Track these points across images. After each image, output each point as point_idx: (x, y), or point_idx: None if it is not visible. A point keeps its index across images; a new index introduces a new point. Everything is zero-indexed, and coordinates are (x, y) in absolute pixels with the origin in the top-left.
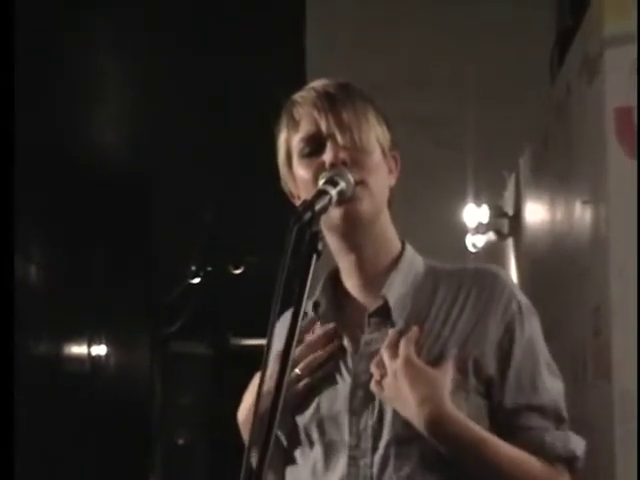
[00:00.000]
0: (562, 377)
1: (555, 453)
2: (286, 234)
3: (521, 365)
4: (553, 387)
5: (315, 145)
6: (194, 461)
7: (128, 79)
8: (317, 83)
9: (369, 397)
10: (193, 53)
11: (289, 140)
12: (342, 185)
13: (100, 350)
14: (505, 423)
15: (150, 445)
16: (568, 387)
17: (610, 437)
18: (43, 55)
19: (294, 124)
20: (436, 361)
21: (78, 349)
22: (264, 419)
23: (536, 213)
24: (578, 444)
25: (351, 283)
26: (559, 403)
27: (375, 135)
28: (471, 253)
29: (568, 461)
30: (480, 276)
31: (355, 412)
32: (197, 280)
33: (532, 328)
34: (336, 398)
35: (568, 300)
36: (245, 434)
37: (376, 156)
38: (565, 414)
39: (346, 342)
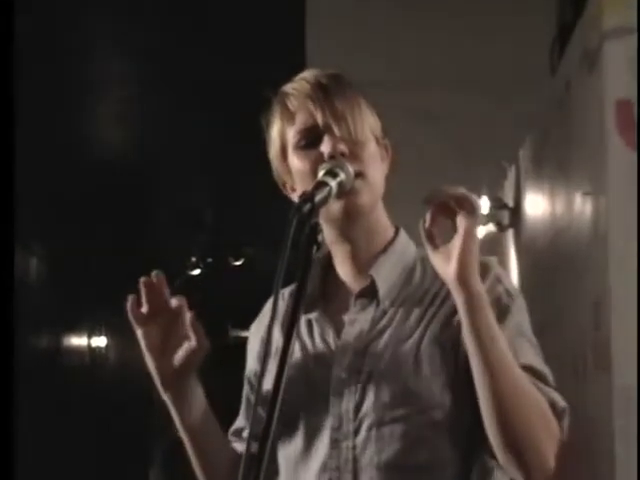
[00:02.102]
0: (561, 371)
1: (549, 400)
2: (286, 225)
3: (513, 343)
4: (543, 370)
5: (312, 137)
6: None
7: (128, 77)
8: (307, 74)
9: (351, 380)
10: (193, 52)
11: (283, 132)
12: (342, 176)
13: (100, 342)
14: None
15: (149, 437)
16: (568, 380)
17: (610, 430)
18: (43, 52)
19: (289, 116)
20: (417, 346)
21: (78, 341)
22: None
23: (536, 205)
24: (563, 402)
25: (344, 270)
26: (549, 375)
27: (368, 124)
28: None
29: (559, 414)
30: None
31: (337, 395)
32: (197, 272)
33: (520, 314)
34: (318, 381)
35: (568, 292)
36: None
37: (371, 146)
38: (553, 383)
39: (329, 326)
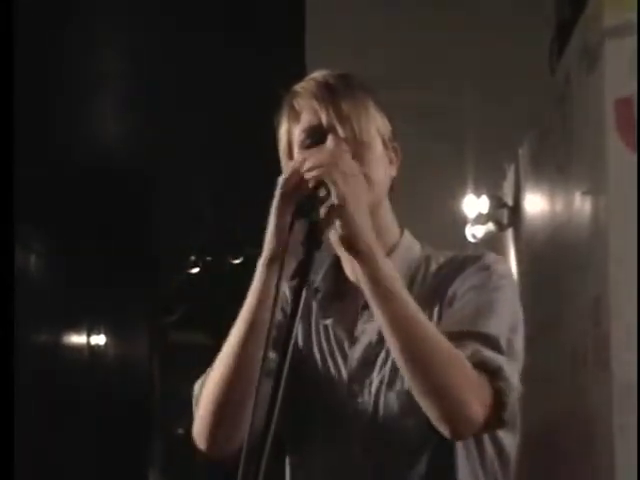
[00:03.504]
0: (560, 367)
1: (479, 359)
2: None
3: (472, 314)
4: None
5: (316, 136)
6: (194, 451)
7: (128, 76)
8: (317, 74)
9: (364, 391)
10: (193, 50)
11: (290, 131)
12: None
13: (99, 340)
14: None
15: (150, 434)
16: (568, 377)
17: (610, 427)
18: (43, 51)
19: (295, 115)
20: None
21: (77, 339)
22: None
23: (536, 204)
24: (503, 363)
25: (350, 272)
26: (504, 343)
27: (375, 126)
28: (471, 243)
29: (491, 372)
30: (468, 261)
31: (352, 404)
32: (196, 270)
33: (497, 294)
34: (334, 390)
35: (568, 291)
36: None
37: (377, 147)
38: (509, 351)
39: (344, 335)
